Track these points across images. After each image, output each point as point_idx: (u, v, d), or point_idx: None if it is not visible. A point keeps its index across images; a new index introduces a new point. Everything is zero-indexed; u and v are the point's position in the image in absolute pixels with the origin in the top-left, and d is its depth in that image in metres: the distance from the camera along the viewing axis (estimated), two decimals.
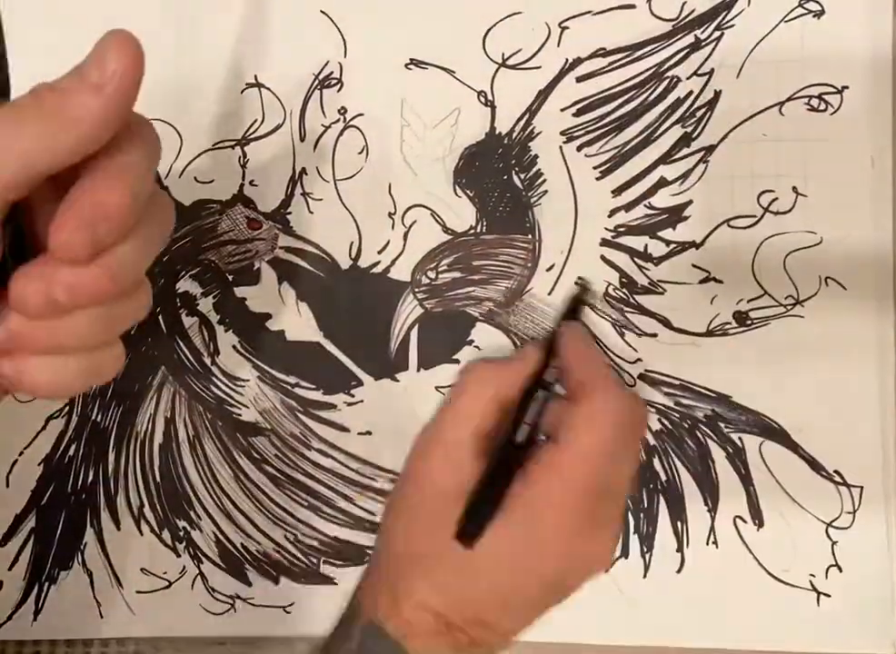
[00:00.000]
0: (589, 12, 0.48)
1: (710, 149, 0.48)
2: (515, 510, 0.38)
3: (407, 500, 0.41)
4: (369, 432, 0.49)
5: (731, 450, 0.48)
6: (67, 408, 0.49)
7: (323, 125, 0.49)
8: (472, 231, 0.49)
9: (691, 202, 0.48)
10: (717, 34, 0.48)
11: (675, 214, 0.48)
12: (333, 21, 0.49)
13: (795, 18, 0.48)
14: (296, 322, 0.49)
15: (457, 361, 0.49)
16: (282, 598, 0.49)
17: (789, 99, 0.48)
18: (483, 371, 0.42)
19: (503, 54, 0.48)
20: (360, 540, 0.48)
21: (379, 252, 0.49)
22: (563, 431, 0.39)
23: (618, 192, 0.48)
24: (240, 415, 0.49)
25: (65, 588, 0.49)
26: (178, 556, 0.49)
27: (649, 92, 0.48)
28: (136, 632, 0.49)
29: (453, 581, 0.38)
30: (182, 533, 0.49)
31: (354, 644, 0.38)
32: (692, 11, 0.48)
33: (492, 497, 0.39)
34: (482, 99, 0.49)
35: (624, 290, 0.48)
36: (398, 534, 0.41)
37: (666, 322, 0.48)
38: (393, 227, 0.49)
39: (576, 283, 0.48)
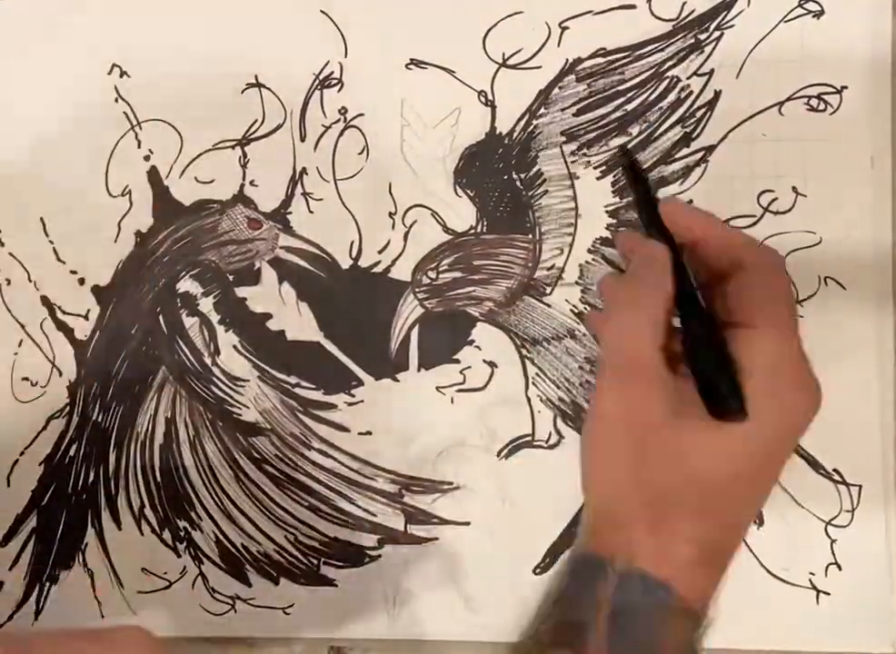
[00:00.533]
0: (589, 12, 0.48)
1: (710, 149, 0.48)
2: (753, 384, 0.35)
3: (615, 446, 0.37)
4: (369, 432, 0.49)
5: None
6: (68, 408, 0.49)
7: (323, 125, 0.49)
8: (472, 231, 0.49)
9: (691, 202, 0.48)
10: (717, 34, 0.48)
11: None
12: (333, 21, 0.49)
13: (795, 18, 0.48)
14: (297, 321, 0.49)
15: (457, 361, 0.49)
16: (281, 598, 0.49)
17: (788, 99, 0.48)
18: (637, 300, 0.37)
19: (504, 54, 0.48)
20: (360, 540, 0.48)
21: (379, 252, 0.49)
22: (747, 310, 0.36)
23: (618, 191, 0.48)
24: (240, 415, 0.49)
25: (66, 587, 0.49)
26: (179, 556, 0.49)
27: (649, 92, 0.48)
28: None
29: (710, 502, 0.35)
30: (182, 533, 0.49)
31: (609, 592, 0.34)
32: (692, 11, 0.48)
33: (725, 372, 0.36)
34: (483, 99, 0.49)
35: None
36: (618, 479, 0.37)
37: None
38: (393, 227, 0.49)
39: (622, 154, 0.44)
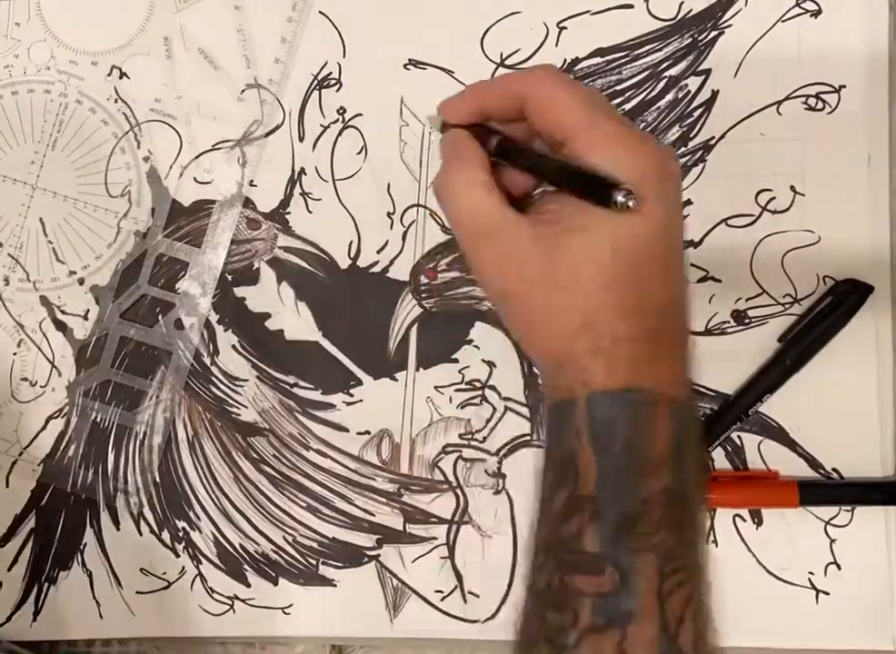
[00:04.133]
0: (587, 12, 0.48)
1: (707, 148, 0.48)
2: None
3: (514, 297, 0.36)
4: (368, 432, 0.49)
5: (730, 449, 0.48)
6: (67, 408, 0.49)
7: (322, 125, 0.49)
8: None
9: (689, 201, 0.48)
10: (714, 33, 0.48)
11: None
12: (332, 21, 0.49)
13: (792, 18, 0.48)
14: (295, 321, 0.49)
15: (456, 361, 0.49)
16: (281, 598, 0.48)
17: (786, 98, 0.48)
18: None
19: (502, 54, 0.49)
20: (358, 541, 0.48)
21: (378, 252, 0.49)
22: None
23: None
24: (239, 415, 0.49)
25: (65, 588, 0.49)
26: (177, 556, 0.49)
27: (647, 91, 0.48)
28: (135, 633, 0.49)
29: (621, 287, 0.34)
30: (181, 534, 0.49)
31: (583, 422, 0.33)
32: (690, 11, 0.48)
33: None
34: None
35: None
36: (540, 321, 0.35)
37: None
38: (391, 227, 0.49)
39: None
